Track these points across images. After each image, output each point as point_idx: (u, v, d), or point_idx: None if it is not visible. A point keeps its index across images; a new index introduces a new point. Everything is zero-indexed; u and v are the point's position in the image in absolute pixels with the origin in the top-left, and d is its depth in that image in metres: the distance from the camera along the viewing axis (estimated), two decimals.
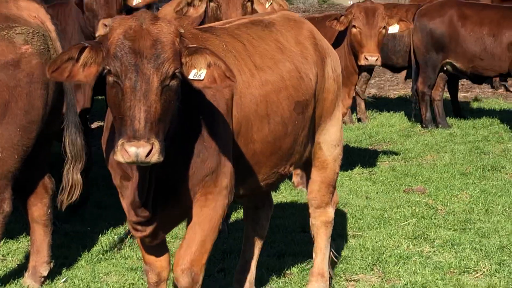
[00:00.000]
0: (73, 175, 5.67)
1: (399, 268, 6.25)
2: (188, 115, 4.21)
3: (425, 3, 11.65)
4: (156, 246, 4.53)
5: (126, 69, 3.79)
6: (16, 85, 5.35)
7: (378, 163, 9.69)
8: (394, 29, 8.39)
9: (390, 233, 7.03)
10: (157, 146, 3.76)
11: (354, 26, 8.21)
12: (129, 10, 7.06)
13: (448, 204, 7.95)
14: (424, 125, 11.34)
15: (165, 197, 4.30)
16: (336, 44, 8.27)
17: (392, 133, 11.34)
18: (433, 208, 7.83)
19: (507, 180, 8.82)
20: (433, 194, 8.30)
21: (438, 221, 7.40)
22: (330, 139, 5.41)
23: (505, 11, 11.10)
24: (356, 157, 9.78)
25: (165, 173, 4.18)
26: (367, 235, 7.04)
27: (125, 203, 4.34)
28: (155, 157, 3.77)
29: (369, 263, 6.35)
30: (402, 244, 6.80)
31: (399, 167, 9.46)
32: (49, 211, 5.78)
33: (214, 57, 3.98)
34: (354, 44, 8.24)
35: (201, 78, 3.95)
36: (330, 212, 5.56)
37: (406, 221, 7.38)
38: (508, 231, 7.07)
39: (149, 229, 4.30)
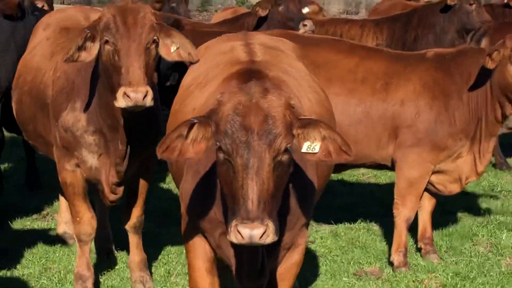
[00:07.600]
0: None
1: None
2: None
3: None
4: None
5: (237, 146, 3.71)
6: None
7: (316, 224, 7.65)
8: None
9: None
10: (271, 227, 3.67)
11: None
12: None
13: None
14: None
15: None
16: (474, 86, 6.38)
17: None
18: None
19: (484, 255, 6.88)
20: (393, 280, 6.30)
21: None
22: None
23: None
24: None
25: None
26: None
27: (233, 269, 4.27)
28: (269, 238, 3.68)
29: None
30: None
31: (343, 231, 7.45)
32: None
33: (329, 130, 3.84)
34: (506, 87, 6.24)
35: (315, 151, 3.82)
36: None
37: None
38: None
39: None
